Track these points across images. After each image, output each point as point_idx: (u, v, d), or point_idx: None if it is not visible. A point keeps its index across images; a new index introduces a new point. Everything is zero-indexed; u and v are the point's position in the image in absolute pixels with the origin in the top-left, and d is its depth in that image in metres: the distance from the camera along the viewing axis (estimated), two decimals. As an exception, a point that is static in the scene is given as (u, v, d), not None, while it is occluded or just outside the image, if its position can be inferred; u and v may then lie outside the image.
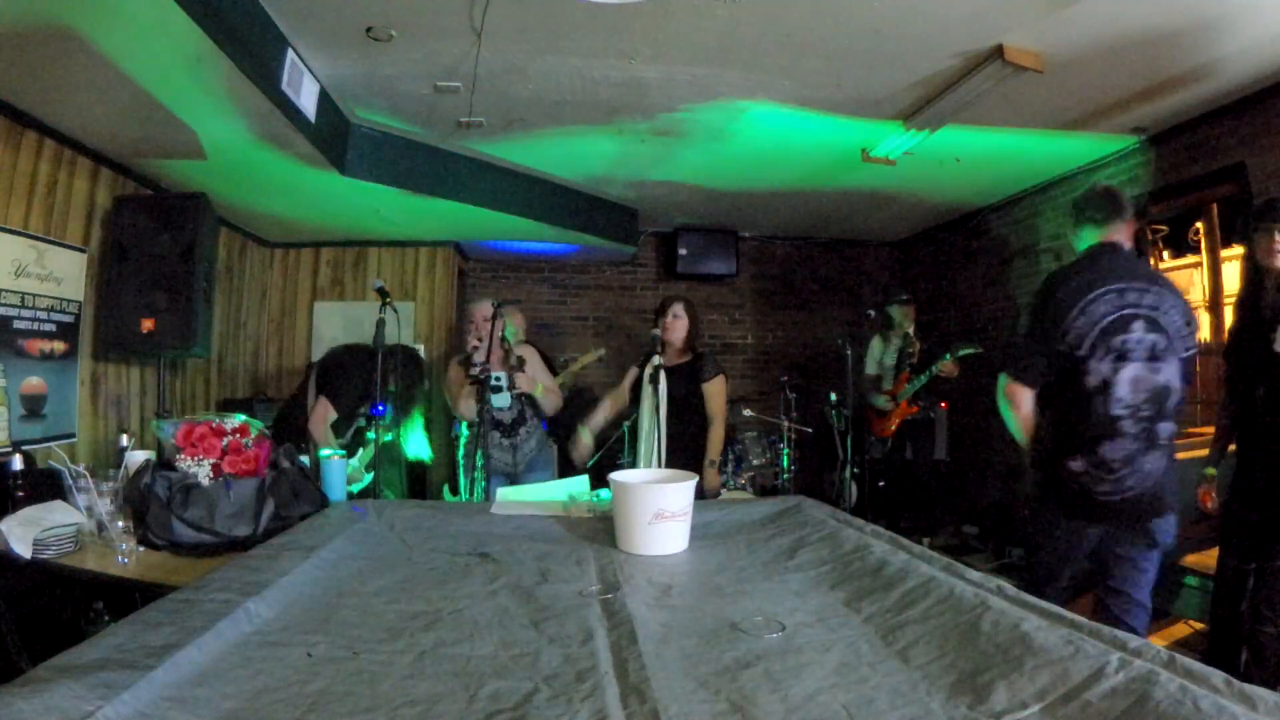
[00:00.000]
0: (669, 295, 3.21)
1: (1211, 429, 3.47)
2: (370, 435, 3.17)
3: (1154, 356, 1.98)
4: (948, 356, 4.26)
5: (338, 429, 3.07)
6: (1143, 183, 3.86)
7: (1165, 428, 2.01)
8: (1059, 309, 2.03)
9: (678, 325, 3.05)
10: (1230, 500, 2.32)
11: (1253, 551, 2.20)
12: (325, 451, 2.29)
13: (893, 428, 4.65)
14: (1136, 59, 2.88)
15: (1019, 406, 2.13)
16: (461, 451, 3.27)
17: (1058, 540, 2.15)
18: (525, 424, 3.11)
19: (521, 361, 3.06)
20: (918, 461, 4.69)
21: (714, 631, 1.13)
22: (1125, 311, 1.99)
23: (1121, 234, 2.13)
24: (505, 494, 2.23)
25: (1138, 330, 1.98)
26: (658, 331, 3.01)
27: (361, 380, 3.10)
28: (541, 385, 3.08)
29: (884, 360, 4.74)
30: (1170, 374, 1.99)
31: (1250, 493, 2.23)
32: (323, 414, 2.99)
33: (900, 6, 2.55)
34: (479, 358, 2.89)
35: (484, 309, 3.03)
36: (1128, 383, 1.97)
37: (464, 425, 3.20)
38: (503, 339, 3.08)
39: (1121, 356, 1.98)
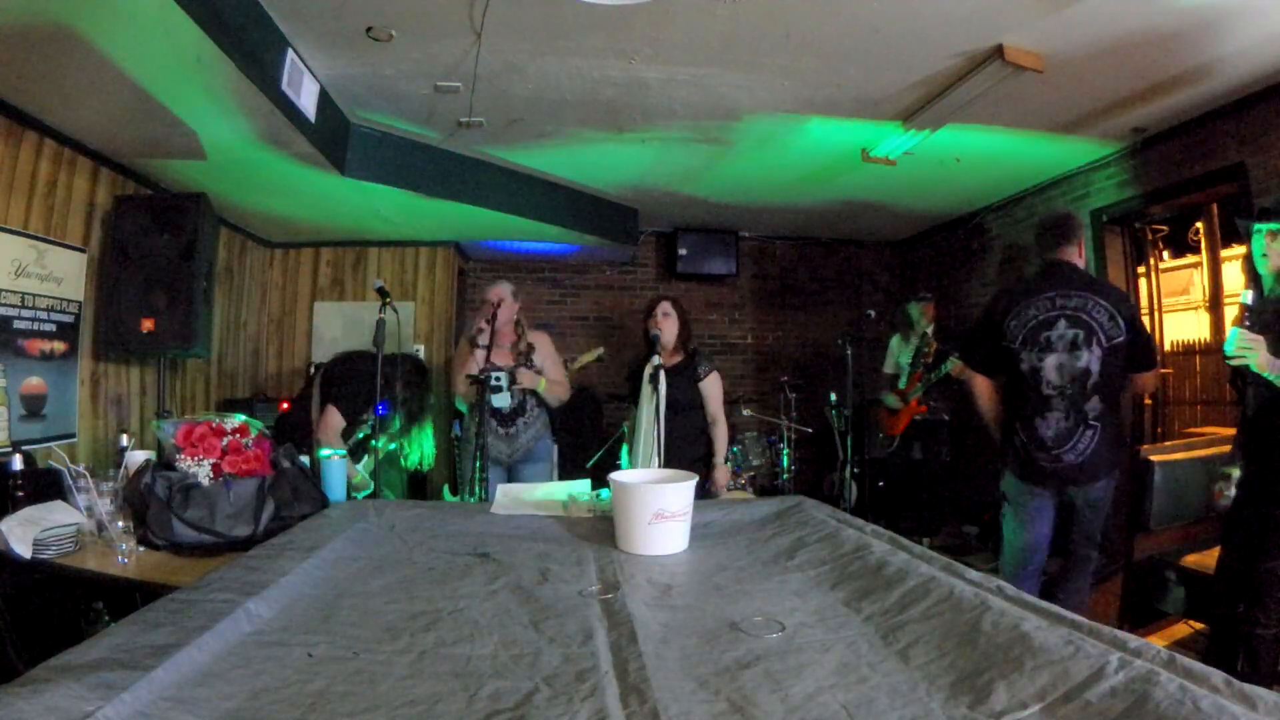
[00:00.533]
0: (656, 295, 3.19)
1: (1212, 429, 3.49)
2: (375, 445, 3.16)
3: (1074, 346, 2.46)
4: (956, 357, 4.26)
5: (343, 434, 3.06)
6: (1142, 183, 3.86)
7: (1092, 406, 2.46)
8: (998, 313, 2.62)
9: (668, 324, 3.03)
10: (1236, 499, 2.35)
11: (1249, 551, 2.21)
12: (325, 451, 2.29)
13: (902, 427, 4.65)
14: (1136, 59, 2.88)
15: (973, 385, 2.77)
16: (460, 437, 3.24)
17: (1019, 502, 2.63)
18: (524, 414, 3.07)
19: (531, 348, 3.04)
20: (926, 462, 4.68)
21: (714, 631, 1.13)
22: (1052, 313, 2.50)
23: (1072, 253, 2.62)
24: (505, 491, 2.22)
25: (1060, 327, 2.48)
26: (657, 332, 3.00)
27: (368, 387, 3.09)
28: (545, 380, 3.06)
29: (901, 359, 4.74)
30: (1090, 360, 2.44)
31: (1248, 491, 2.25)
32: (330, 422, 2.98)
33: (900, 6, 2.54)
34: (483, 341, 2.87)
35: (498, 290, 3.01)
36: (1053, 369, 2.48)
37: (463, 422, 3.19)
38: (516, 322, 3.06)
39: (1046, 348, 2.49)
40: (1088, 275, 2.70)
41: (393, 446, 3.06)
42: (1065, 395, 2.47)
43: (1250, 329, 2.03)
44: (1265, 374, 2.04)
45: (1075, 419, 2.45)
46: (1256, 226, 2.20)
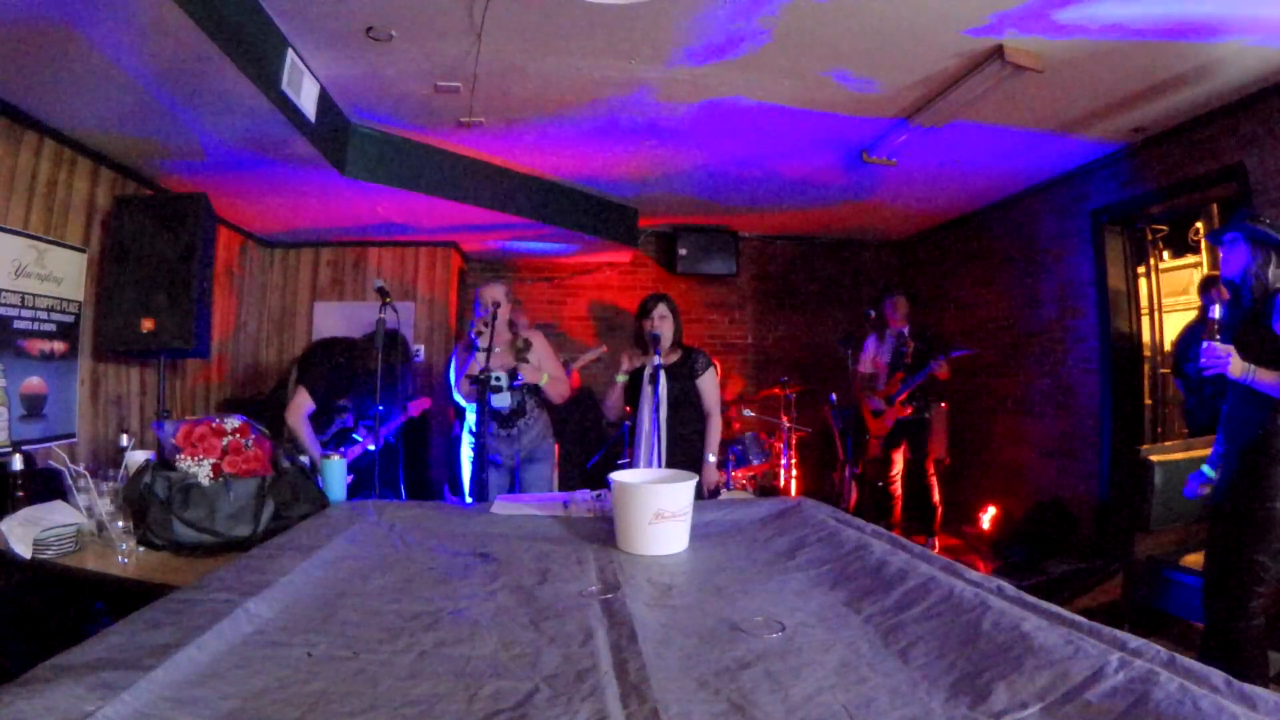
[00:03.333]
0: (650, 295, 3.15)
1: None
2: (357, 437, 3.15)
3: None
4: (942, 359, 4.28)
5: (316, 422, 3.03)
6: (1142, 183, 3.86)
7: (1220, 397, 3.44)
8: (1179, 338, 3.89)
9: (666, 324, 3.03)
10: (1217, 495, 2.38)
11: (1233, 545, 2.24)
12: (323, 451, 2.29)
13: (886, 428, 4.65)
14: (1136, 59, 2.88)
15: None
16: (461, 440, 3.23)
17: None
18: (525, 415, 3.06)
19: (528, 345, 3.03)
20: (914, 462, 4.68)
21: (714, 631, 1.13)
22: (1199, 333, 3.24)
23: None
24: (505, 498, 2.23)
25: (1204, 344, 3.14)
26: (658, 333, 2.99)
27: (344, 369, 3.08)
28: (548, 375, 3.04)
29: (878, 358, 4.73)
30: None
31: (1228, 488, 2.29)
32: (300, 403, 2.96)
33: (901, 6, 2.55)
34: (483, 343, 2.87)
35: (493, 291, 2.98)
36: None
37: (466, 418, 3.17)
38: (510, 323, 3.05)
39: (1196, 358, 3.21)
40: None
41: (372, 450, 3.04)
42: (1207, 386, 3.39)
43: (1221, 341, 2.22)
44: (1238, 378, 2.20)
45: (1213, 404, 3.32)
46: (1224, 238, 2.38)
